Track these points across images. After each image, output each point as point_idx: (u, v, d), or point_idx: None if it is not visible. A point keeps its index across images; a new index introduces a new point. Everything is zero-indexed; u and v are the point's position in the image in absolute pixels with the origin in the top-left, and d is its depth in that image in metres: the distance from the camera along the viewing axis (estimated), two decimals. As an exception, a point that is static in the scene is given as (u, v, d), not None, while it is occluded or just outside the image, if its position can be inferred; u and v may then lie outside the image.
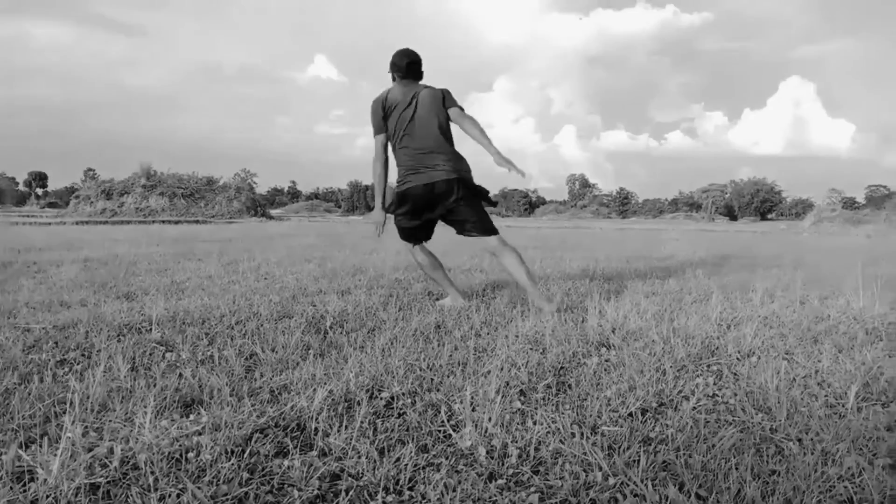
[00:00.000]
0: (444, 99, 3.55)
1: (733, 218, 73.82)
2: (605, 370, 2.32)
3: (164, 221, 20.63)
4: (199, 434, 1.59)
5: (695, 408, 1.90)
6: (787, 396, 1.96)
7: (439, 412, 1.83)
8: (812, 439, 1.66)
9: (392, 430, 1.70)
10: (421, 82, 3.61)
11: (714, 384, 2.16)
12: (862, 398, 2.02)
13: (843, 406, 1.95)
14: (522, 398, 1.99)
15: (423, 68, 3.62)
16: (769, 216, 74.97)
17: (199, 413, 1.73)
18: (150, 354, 2.42)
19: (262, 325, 2.96)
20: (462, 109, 3.57)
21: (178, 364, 2.29)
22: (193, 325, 2.93)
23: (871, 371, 2.29)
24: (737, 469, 1.45)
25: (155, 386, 1.98)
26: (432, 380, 2.15)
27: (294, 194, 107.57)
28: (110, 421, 1.69)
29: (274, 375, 2.17)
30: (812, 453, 1.56)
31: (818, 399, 2.00)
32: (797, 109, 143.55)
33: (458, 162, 3.57)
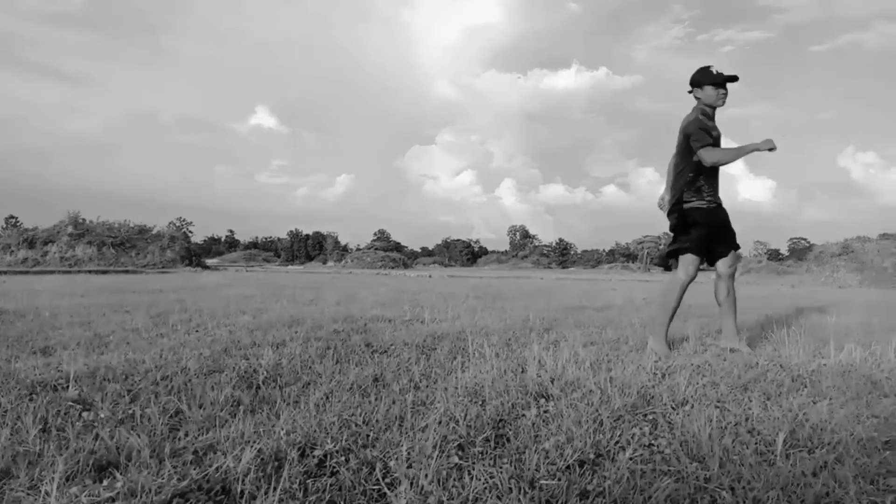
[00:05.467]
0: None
1: (667, 268, 76.59)
2: (544, 421, 2.30)
3: (90, 271, 19.73)
4: (113, 501, 1.47)
5: (631, 458, 1.90)
6: (719, 445, 1.99)
7: (374, 470, 1.77)
8: (744, 488, 1.69)
9: (323, 491, 1.62)
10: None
11: (650, 434, 2.17)
12: (790, 445, 2.08)
13: (772, 453, 1.99)
14: (460, 453, 1.95)
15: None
16: (701, 267, 78.13)
17: (113, 477, 1.61)
18: (65, 414, 2.25)
19: (190, 381, 2.81)
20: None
21: (95, 424, 2.14)
22: (115, 382, 2.76)
23: (798, 418, 2.37)
24: (672, 521, 1.45)
25: (67, 448, 1.84)
26: (368, 436, 2.08)
27: (232, 244, 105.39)
28: (12, 489, 1.55)
29: (200, 434, 2.05)
30: (744, 502, 1.58)
31: (749, 447, 2.04)
32: (722, 166, 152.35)
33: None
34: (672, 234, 4.19)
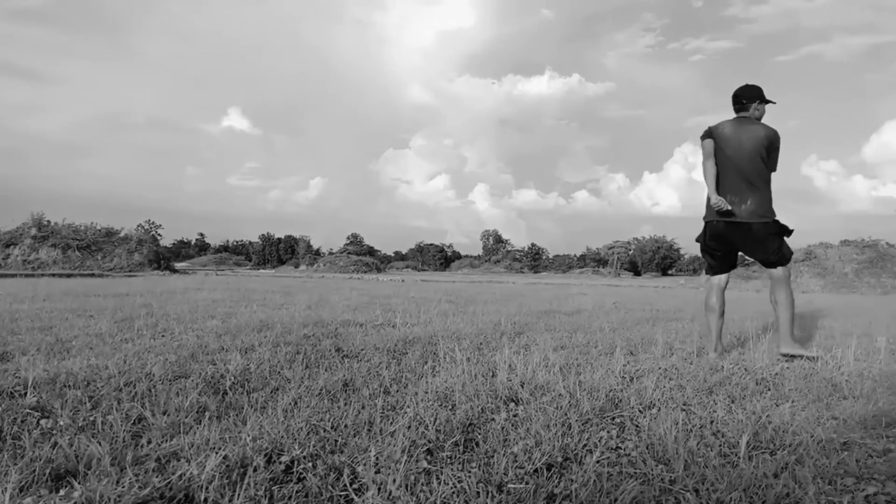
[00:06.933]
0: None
1: (637, 273, 77.71)
2: (513, 425, 2.31)
3: (54, 275, 19.23)
4: (70, 511, 1.43)
5: (598, 461, 1.92)
6: (684, 447, 2.02)
7: (342, 475, 1.75)
8: (708, 489, 1.71)
9: (289, 498, 1.60)
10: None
11: (617, 437, 2.20)
12: (752, 447, 2.12)
13: (735, 455, 2.03)
14: (429, 457, 1.94)
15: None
16: (670, 272, 79.40)
17: (71, 487, 1.57)
18: (22, 422, 2.19)
19: (154, 387, 2.76)
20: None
21: (53, 431, 2.08)
22: (76, 388, 2.69)
23: (761, 420, 2.41)
24: (638, 523, 1.46)
25: (23, 457, 1.78)
26: (336, 441, 2.06)
27: (202, 247, 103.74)
28: (-36, 500, 1.50)
29: (163, 441, 2.01)
30: (708, 503, 1.60)
31: (713, 449, 2.07)
32: (691, 173, 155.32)
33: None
34: (773, 238, 4.18)
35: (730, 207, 4.07)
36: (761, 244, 4.15)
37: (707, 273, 4.50)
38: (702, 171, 4.23)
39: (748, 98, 4.19)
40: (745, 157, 4.09)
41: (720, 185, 4.17)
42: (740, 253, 4.35)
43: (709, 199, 4.20)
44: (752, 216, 4.08)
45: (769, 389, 3.07)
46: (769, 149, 4.09)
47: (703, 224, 4.34)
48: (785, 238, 4.23)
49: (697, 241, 4.46)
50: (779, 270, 4.20)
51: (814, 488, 1.74)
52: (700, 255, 4.58)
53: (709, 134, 4.25)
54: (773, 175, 4.16)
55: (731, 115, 4.25)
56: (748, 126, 4.14)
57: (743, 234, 4.15)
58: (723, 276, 4.37)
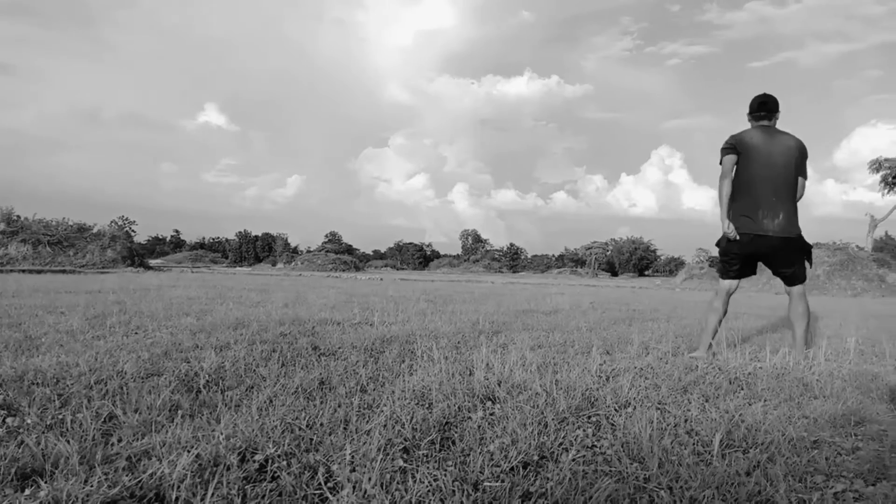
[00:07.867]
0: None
1: (614, 274, 78.47)
2: (490, 424, 2.31)
3: (24, 271, 18.82)
4: (36, 511, 1.40)
5: (574, 459, 1.93)
6: (659, 445, 2.04)
7: (316, 474, 1.74)
8: (681, 487, 1.73)
9: (263, 496, 1.58)
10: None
11: (593, 435, 2.21)
12: (726, 445, 2.14)
13: (709, 453, 2.05)
14: (405, 456, 1.93)
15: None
16: (646, 272, 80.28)
17: (37, 486, 1.53)
18: (-12, 420, 2.13)
19: (126, 385, 2.70)
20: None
21: (20, 430, 2.03)
22: (45, 386, 2.63)
23: (734, 419, 2.44)
24: (612, 521, 1.47)
25: (-13, 456, 1.73)
26: (311, 440, 2.05)
27: (177, 244, 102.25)
28: (-76, 500, 1.45)
29: (135, 440, 1.97)
30: (681, 501, 1.61)
31: (687, 447, 2.09)
32: (667, 176, 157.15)
33: None
34: (800, 255, 4.21)
35: (738, 237, 4.06)
36: (789, 259, 4.17)
37: (720, 276, 4.44)
38: (718, 190, 4.16)
39: (774, 107, 4.14)
40: (777, 169, 4.05)
41: (750, 198, 4.09)
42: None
43: (729, 212, 4.14)
44: (784, 231, 4.05)
45: (742, 389, 3.11)
46: (801, 158, 4.10)
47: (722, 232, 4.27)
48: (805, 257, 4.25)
49: (718, 245, 4.36)
50: (798, 288, 4.23)
51: (785, 486, 1.77)
52: (719, 258, 4.49)
53: (733, 148, 4.13)
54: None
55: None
56: (778, 137, 4.10)
57: (773, 248, 4.11)
58: (735, 282, 4.35)
